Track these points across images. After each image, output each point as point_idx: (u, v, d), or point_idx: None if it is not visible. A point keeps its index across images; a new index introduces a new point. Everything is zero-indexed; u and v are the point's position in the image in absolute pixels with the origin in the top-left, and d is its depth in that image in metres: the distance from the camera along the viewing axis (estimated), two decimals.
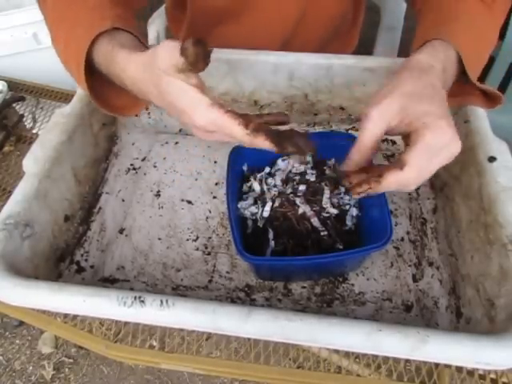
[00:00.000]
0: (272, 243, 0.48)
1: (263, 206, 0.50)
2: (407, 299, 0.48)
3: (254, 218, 0.51)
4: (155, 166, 0.62)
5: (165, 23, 0.89)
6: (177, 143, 0.65)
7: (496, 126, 0.51)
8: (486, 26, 0.49)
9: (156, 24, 0.89)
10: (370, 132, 0.38)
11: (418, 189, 0.58)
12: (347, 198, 0.51)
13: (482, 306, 0.43)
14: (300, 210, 0.49)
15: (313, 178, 0.52)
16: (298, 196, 0.50)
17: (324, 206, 0.50)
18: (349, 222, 0.50)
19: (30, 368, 1.16)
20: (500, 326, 0.39)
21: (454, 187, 0.52)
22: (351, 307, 0.47)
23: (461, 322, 0.45)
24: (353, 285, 0.49)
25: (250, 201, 0.52)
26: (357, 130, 0.63)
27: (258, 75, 0.59)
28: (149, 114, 0.65)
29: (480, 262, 0.45)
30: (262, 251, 0.48)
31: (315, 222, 0.49)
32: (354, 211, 0.51)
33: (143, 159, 0.63)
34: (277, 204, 0.50)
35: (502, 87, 1.04)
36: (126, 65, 0.39)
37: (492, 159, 0.46)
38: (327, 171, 0.53)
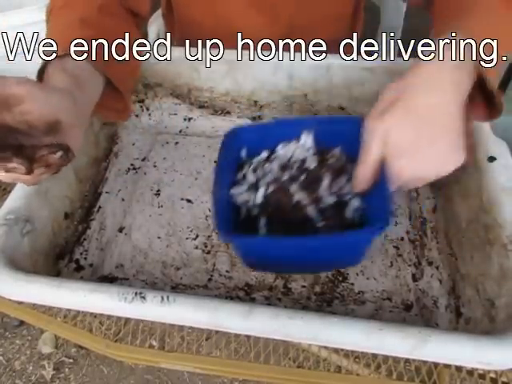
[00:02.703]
0: (263, 231, 0.45)
1: (256, 193, 0.47)
2: (407, 299, 0.48)
3: (247, 205, 0.47)
4: (155, 166, 0.62)
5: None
6: (177, 143, 0.65)
7: (496, 126, 0.51)
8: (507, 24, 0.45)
9: (156, 24, 0.89)
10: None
11: (417, 188, 0.58)
12: (349, 187, 0.47)
13: (481, 305, 0.43)
14: (295, 198, 0.46)
15: (313, 166, 0.48)
16: (294, 183, 0.47)
17: (321, 195, 0.46)
18: (350, 214, 0.47)
19: (30, 368, 1.16)
20: (500, 326, 0.39)
21: (453, 187, 0.52)
22: (351, 306, 0.47)
23: (460, 322, 0.45)
24: (352, 284, 0.49)
25: (244, 187, 0.48)
26: None
27: (257, 75, 0.59)
28: (149, 115, 0.66)
29: (480, 261, 0.45)
30: None
31: (310, 211, 0.46)
32: (356, 202, 0.47)
33: (143, 159, 0.63)
34: (270, 190, 0.47)
35: (502, 87, 1.04)
36: None
37: (492, 159, 0.46)
38: (330, 160, 0.49)
